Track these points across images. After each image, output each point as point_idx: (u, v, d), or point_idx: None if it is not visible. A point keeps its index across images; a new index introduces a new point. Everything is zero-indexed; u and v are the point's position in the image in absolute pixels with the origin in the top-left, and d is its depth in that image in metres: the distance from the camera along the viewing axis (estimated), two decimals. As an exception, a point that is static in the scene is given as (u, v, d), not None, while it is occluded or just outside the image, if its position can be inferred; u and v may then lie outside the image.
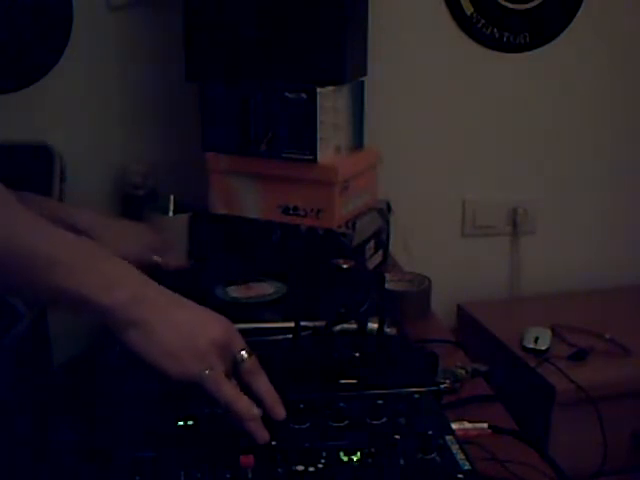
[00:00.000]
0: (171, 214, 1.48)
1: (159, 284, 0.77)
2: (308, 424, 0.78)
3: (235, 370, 0.76)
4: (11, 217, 0.71)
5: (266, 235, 1.41)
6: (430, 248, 1.82)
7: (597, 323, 1.64)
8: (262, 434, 0.74)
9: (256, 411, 0.74)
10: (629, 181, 1.94)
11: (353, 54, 1.39)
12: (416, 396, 0.82)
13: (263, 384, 0.77)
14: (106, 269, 0.73)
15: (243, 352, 0.77)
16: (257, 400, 0.76)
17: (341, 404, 0.79)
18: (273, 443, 0.74)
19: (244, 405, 0.74)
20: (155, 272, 1.04)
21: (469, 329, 1.78)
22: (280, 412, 0.77)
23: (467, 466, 0.72)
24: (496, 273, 1.93)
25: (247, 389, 0.76)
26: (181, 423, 0.77)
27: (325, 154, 1.36)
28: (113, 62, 1.66)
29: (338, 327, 0.97)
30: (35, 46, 1.61)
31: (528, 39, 1.78)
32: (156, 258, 1.14)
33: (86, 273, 0.71)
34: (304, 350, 0.93)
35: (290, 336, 0.94)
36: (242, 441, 0.74)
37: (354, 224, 1.41)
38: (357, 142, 1.49)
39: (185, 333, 0.74)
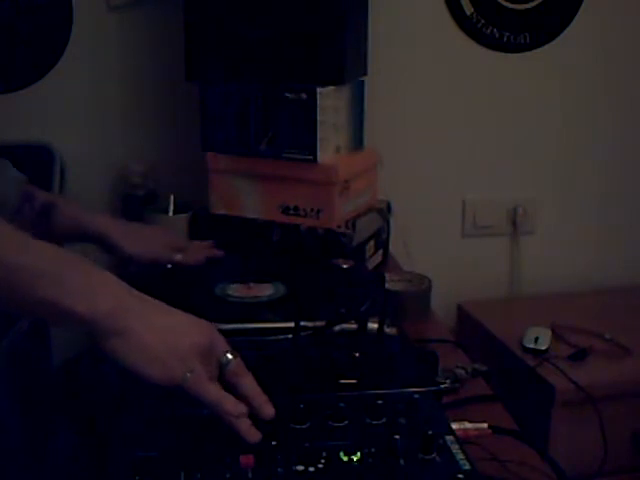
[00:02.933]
0: (171, 214, 1.48)
1: (164, 280, 0.77)
2: (308, 424, 0.77)
3: (220, 373, 0.76)
4: None
5: (266, 235, 1.41)
6: (430, 248, 1.82)
7: (597, 323, 1.64)
8: (252, 433, 0.74)
9: (243, 408, 0.74)
10: (629, 181, 1.94)
11: (353, 54, 1.39)
12: (416, 396, 0.82)
13: (250, 384, 0.77)
14: (87, 280, 0.73)
15: (227, 354, 0.76)
16: (245, 401, 0.75)
17: (341, 404, 0.79)
18: (273, 443, 0.74)
19: (230, 403, 0.74)
20: (176, 269, 1.20)
21: (469, 329, 1.78)
22: (269, 411, 0.76)
23: (467, 466, 0.72)
24: (496, 273, 1.93)
25: (234, 391, 0.76)
26: (181, 423, 0.77)
27: (325, 154, 1.36)
28: (113, 62, 1.66)
29: (338, 327, 0.97)
30: (35, 46, 1.61)
31: (528, 39, 1.78)
32: (176, 257, 1.20)
33: (67, 285, 0.71)
34: (304, 350, 0.93)
35: (290, 336, 0.94)
36: (242, 441, 0.73)
37: (354, 224, 1.41)
38: (357, 142, 1.49)
39: (166, 338, 0.74)
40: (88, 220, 1.18)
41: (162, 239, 1.24)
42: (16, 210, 1.13)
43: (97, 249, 1.18)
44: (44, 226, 1.12)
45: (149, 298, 0.76)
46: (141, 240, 1.20)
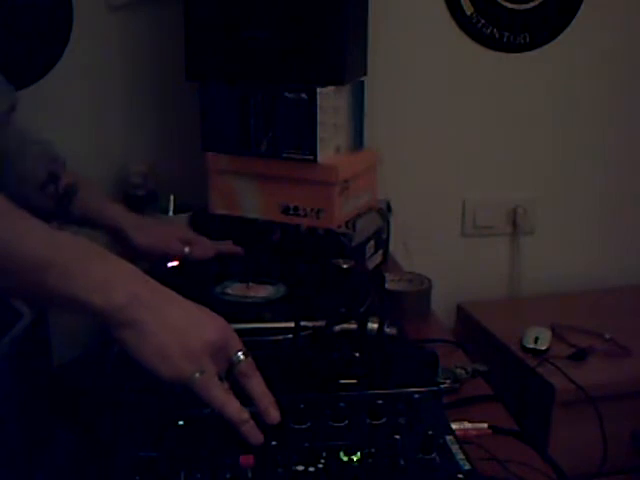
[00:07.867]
0: (171, 214, 1.48)
1: (164, 279, 0.77)
2: (308, 424, 0.77)
3: (230, 371, 0.76)
4: (5, 221, 0.70)
5: (266, 235, 1.41)
6: (430, 248, 1.82)
7: (597, 323, 1.64)
8: (255, 436, 0.74)
9: (246, 415, 0.74)
10: (629, 181, 1.94)
11: (353, 54, 1.39)
12: (416, 396, 0.82)
13: (258, 386, 0.76)
14: (101, 270, 0.72)
15: (239, 353, 0.76)
16: (252, 402, 0.75)
17: (341, 404, 0.79)
18: (273, 443, 0.74)
19: (234, 410, 0.73)
20: (184, 262, 1.22)
21: (469, 329, 1.78)
22: (274, 415, 0.76)
23: (467, 466, 0.72)
24: (496, 273, 1.93)
25: (242, 390, 0.76)
26: (182, 423, 0.77)
27: (325, 154, 1.36)
28: (113, 62, 1.66)
29: (338, 327, 0.97)
30: (35, 46, 1.61)
31: (528, 39, 1.78)
32: (185, 249, 1.22)
33: (80, 275, 0.70)
34: (304, 350, 0.93)
35: (290, 336, 0.94)
36: (242, 441, 0.73)
37: (354, 224, 1.41)
38: (357, 142, 1.49)
39: (179, 334, 0.73)
40: (105, 209, 1.19)
41: (173, 233, 1.24)
42: (40, 187, 1.14)
43: (109, 239, 1.18)
44: (64, 208, 1.14)
45: (165, 289, 0.76)
46: (153, 234, 1.21)
